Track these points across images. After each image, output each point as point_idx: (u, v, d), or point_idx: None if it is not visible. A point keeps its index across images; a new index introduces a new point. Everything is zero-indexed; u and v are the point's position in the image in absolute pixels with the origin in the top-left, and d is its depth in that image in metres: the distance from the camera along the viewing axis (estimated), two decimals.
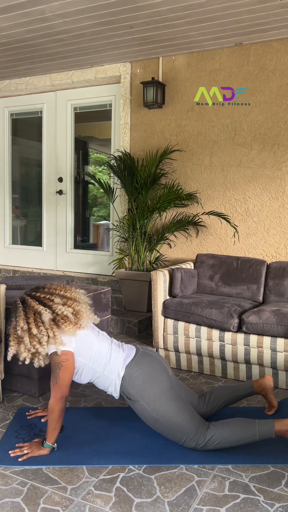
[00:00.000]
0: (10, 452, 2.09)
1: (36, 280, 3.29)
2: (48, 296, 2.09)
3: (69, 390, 2.14)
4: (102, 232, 5.16)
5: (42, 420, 2.42)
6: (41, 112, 5.07)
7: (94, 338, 2.17)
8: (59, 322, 2.04)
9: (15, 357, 2.06)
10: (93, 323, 2.28)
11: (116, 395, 2.18)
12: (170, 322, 3.28)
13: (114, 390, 2.17)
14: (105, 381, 2.16)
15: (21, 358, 2.03)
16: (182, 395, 2.23)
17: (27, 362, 2.04)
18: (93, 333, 2.20)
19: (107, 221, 4.99)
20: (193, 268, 3.79)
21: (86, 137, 5.14)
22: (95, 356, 2.13)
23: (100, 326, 3.37)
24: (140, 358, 2.19)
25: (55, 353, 2.05)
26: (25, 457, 2.05)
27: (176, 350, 3.26)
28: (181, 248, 4.23)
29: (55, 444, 2.10)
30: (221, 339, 3.07)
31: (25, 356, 2.02)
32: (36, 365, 2.08)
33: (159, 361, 2.23)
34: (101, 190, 4.49)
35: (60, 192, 4.96)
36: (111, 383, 2.15)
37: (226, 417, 2.35)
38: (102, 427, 2.36)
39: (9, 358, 2.06)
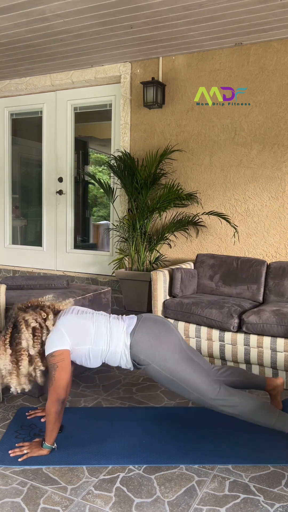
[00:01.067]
0: (10, 452, 2.09)
1: (36, 280, 3.29)
2: None
3: (68, 391, 2.13)
4: (102, 232, 5.16)
5: (42, 420, 2.41)
6: (41, 112, 5.07)
7: (86, 323, 2.15)
8: (17, 359, 2.08)
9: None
10: (85, 308, 2.29)
11: (130, 366, 2.17)
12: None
13: (126, 361, 2.15)
14: (115, 356, 2.14)
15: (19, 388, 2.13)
16: (194, 358, 2.21)
17: (27, 389, 2.13)
18: (85, 317, 2.18)
19: (107, 221, 4.99)
20: (193, 268, 3.79)
21: (86, 137, 5.14)
22: (95, 338, 2.12)
23: None
24: (143, 323, 2.18)
25: (50, 354, 2.05)
26: (25, 457, 2.04)
27: None
28: (181, 248, 4.23)
29: (55, 445, 2.10)
30: (221, 339, 3.07)
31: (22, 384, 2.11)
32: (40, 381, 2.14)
33: (164, 323, 2.22)
34: (101, 190, 4.49)
35: (60, 192, 4.96)
36: (121, 355, 2.14)
37: None
38: (102, 427, 2.36)
39: (16, 392, 2.14)
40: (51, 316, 2.17)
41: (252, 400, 2.14)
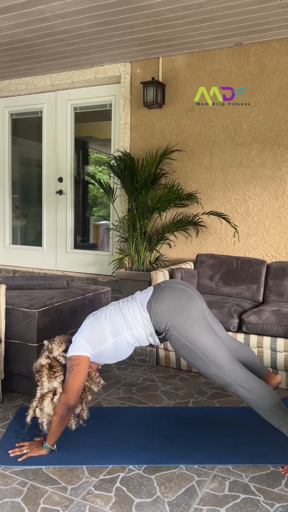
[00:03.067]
0: (9, 451, 2.09)
1: (36, 280, 3.29)
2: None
3: (78, 400, 2.09)
4: (102, 232, 5.16)
5: None
6: (41, 112, 5.07)
7: (100, 322, 2.12)
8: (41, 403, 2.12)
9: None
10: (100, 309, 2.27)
11: (157, 341, 2.13)
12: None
13: (151, 336, 2.11)
14: (140, 335, 2.10)
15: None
16: (215, 328, 2.15)
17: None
18: (98, 317, 2.15)
19: (107, 221, 4.99)
20: (193, 268, 3.79)
21: (86, 137, 5.14)
22: (113, 331, 2.09)
23: None
24: (160, 293, 2.10)
25: (68, 358, 2.08)
26: (24, 457, 2.05)
27: None
28: (181, 248, 4.23)
29: (55, 447, 2.10)
30: None
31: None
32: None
33: (185, 290, 2.13)
34: (101, 190, 4.49)
35: (60, 192, 4.96)
36: (145, 332, 2.10)
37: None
38: (102, 427, 2.36)
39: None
40: (54, 343, 2.18)
41: (270, 391, 2.04)
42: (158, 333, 2.10)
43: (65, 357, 2.13)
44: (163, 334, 2.08)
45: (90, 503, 1.77)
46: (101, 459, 2.06)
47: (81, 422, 2.18)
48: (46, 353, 2.18)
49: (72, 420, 2.14)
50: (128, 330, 2.09)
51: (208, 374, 2.05)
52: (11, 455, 2.07)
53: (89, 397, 2.18)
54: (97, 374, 2.21)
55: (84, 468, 2.01)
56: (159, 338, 2.13)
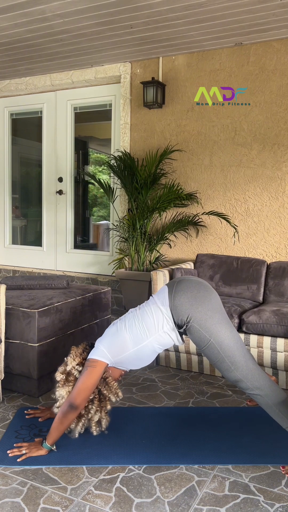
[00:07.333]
0: (8, 452, 2.08)
1: (36, 280, 3.29)
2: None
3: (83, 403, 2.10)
4: (102, 232, 5.16)
5: (40, 419, 2.42)
6: (41, 112, 5.07)
7: (121, 333, 2.12)
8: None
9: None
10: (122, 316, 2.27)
11: (180, 339, 2.13)
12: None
13: (175, 335, 2.11)
14: (163, 338, 2.10)
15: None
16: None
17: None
18: (119, 327, 2.15)
19: (107, 221, 4.99)
20: (193, 268, 3.79)
21: (86, 137, 5.14)
22: (134, 340, 2.09)
23: (100, 326, 3.37)
24: (178, 287, 2.10)
25: (87, 359, 2.12)
26: (23, 457, 2.04)
27: (176, 350, 3.26)
28: (181, 248, 4.23)
29: (54, 447, 2.10)
30: None
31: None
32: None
33: (201, 282, 2.14)
34: (101, 190, 4.49)
35: (60, 192, 4.96)
36: (167, 333, 2.09)
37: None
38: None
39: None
40: (70, 357, 2.20)
41: (280, 391, 2.04)
42: (179, 326, 2.08)
43: (78, 371, 2.14)
44: (184, 327, 2.06)
45: (90, 503, 1.77)
46: (101, 459, 2.06)
47: (103, 429, 2.15)
48: (62, 368, 2.20)
49: (94, 427, 2.13)
50: (149, 336, 2.08)
51: (221, 369, 2.05)
52: (10, 455, 2.07)
53: (108, 407, 2.15)
54: (115, 383, 2.17)
55: (84, 468, 2.01)
56: (179, 332, 2.12)
